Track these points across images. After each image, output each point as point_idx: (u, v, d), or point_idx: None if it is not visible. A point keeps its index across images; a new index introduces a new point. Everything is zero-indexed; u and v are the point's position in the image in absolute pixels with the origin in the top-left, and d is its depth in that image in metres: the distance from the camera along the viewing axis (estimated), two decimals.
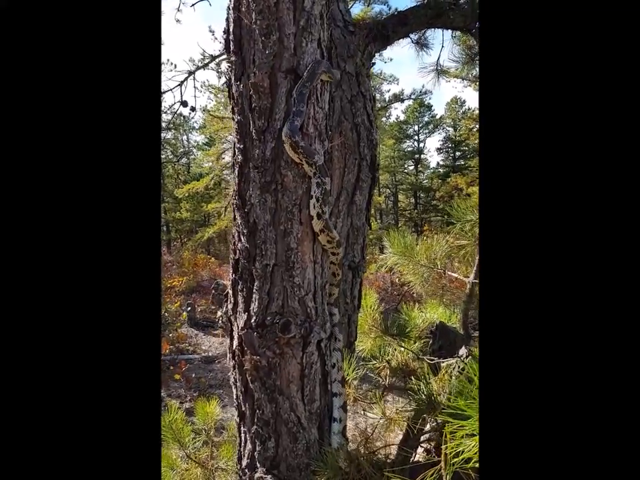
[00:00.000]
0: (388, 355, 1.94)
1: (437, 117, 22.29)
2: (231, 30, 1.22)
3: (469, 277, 1.97)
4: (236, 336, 1.32)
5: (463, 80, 12.55)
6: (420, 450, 1.39)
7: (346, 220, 1.76)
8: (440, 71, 2.32)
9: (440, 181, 20.61)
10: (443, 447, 0.92)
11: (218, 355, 6.43)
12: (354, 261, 1.79)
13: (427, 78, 2.24)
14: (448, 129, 22.38)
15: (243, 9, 1.17)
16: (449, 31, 2.14)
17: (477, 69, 2.46)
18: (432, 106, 21.83)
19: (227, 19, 1.24)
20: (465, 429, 0.88)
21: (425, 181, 22.29)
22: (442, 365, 1.62)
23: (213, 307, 8.48)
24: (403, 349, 1.69)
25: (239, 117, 1.23)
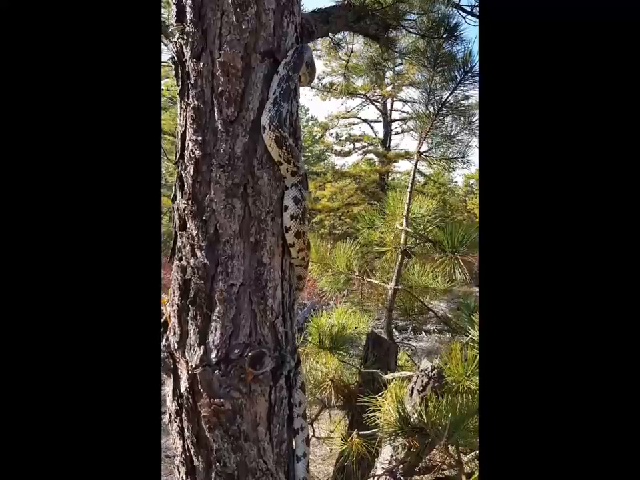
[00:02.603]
0: (316, 370, 1.84)
1: None
2: None
3: (388, 284, 2.00)
4: (184, 376, 1.05)
5: (312, 89, 13.21)
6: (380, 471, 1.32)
7: None
8: (346, 76, 2.32)
9: None
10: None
11: None
12: None
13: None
14: None
15: None
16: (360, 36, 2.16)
17: (373, 77, 2.56)
18: None
19: None
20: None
21: None
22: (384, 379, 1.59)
23: None
24: (343, 363, 1.61)
25: (196, 102, 0.98)
